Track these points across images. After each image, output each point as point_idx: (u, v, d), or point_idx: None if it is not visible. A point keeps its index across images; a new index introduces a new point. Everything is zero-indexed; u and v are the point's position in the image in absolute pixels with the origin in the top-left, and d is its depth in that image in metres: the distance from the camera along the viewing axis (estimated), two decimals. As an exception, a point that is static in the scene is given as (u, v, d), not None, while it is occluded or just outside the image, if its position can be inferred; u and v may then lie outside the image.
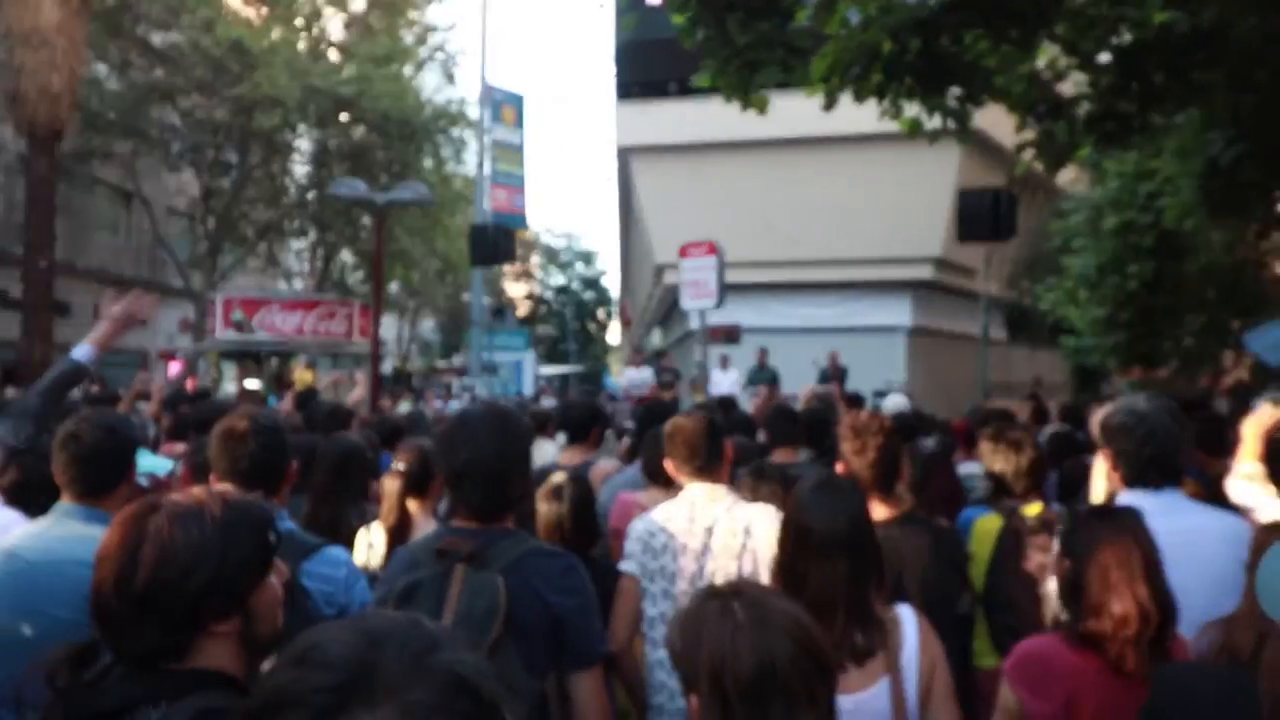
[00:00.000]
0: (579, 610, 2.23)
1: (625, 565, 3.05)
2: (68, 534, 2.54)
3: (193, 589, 1.43)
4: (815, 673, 1.54)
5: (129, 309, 3.78)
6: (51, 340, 16.85)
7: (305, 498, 3.69)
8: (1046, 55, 6.57)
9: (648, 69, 20.08)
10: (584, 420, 5.22)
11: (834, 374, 14.77)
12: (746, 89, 5.74)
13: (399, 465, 3.34)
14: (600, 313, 62.82)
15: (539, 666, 2.15)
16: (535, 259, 58.67)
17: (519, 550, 2.21)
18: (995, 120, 10.15)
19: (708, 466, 3.13)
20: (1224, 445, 5.21)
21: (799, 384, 13.91)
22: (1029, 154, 7.03)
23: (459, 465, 2.26)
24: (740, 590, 1.65)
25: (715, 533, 2.97)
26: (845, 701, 2.11)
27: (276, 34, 21.54)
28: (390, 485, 3.26)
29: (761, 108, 5.99)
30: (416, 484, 3.27)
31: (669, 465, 3.22)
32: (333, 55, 24.73)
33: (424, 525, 3.17)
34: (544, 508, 3.39)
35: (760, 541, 2.91)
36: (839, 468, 3.02)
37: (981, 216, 9.97)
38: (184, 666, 1.45)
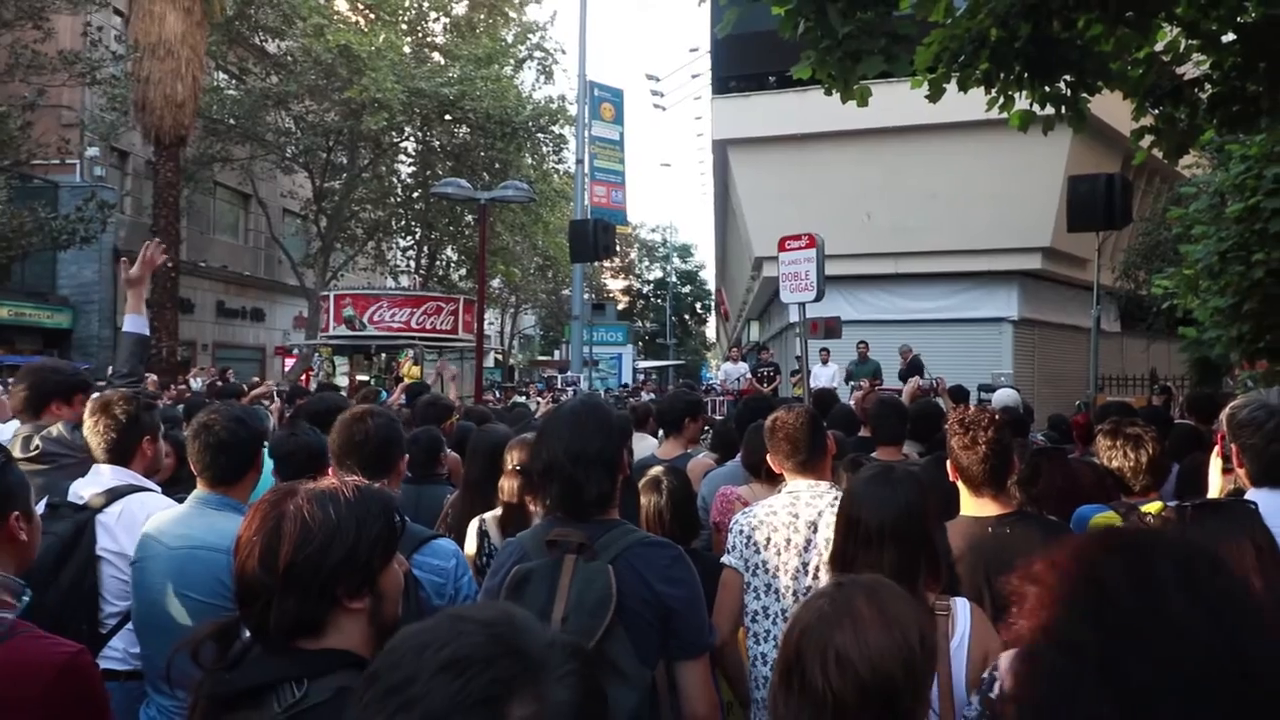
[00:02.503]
0: (687, 601, 2.26)
1: (728, 559, 3.07)
2: (202, 521, 2.73)
3: (330, 564, 1.52)
4: (858, 702, 1.45)
5: (144, 268, 4.07)
6: (177, 335, 17.79)
7: (459, 486, 3.93)
8: (1165, 37, 6.28)
9: (745, 62, 19.96)
10: (678, 414, 5.27)
11: (907, 368, 14.55)
12: (848, 80, 5.65)
13: (513, 463, 3.39)
14: (698, 306, 62.80)
15: (649, 655, 2.18)
16: (633, 254, 58.99)
17: (627, 541, 2.25)
18: (1107, 104, 9.76)
19: (810, 461, 3.12)
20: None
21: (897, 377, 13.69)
22: (1147, 141, 6.71)
23: (540, 467, 2.34)
24: (842, 588, 1.61)
25: (819, 528, 2.96)
26: None
27: (382, 38, 22.18)
28: (509, 484, 3.31)
29: (863, 99, 5.89)
30: (532, 480, 3.31)
31: (771, 459, 3.22)
32: (436, 57, 25.35)
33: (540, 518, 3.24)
34: (643, 500, 3.44)
35: None
36: (949, 464, 2.97)
37: (1093, 204, 9.57)
38: (320, 646, 1.54)
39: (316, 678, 1.47)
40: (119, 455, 3.09)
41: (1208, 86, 6.20)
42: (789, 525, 2.99)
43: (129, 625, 2.83)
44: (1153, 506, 3.18)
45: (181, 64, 16.52)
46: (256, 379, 18.34)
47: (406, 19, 25.35)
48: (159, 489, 3.19)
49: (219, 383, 12.49)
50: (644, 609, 2.18)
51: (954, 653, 2.21)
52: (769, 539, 2.99)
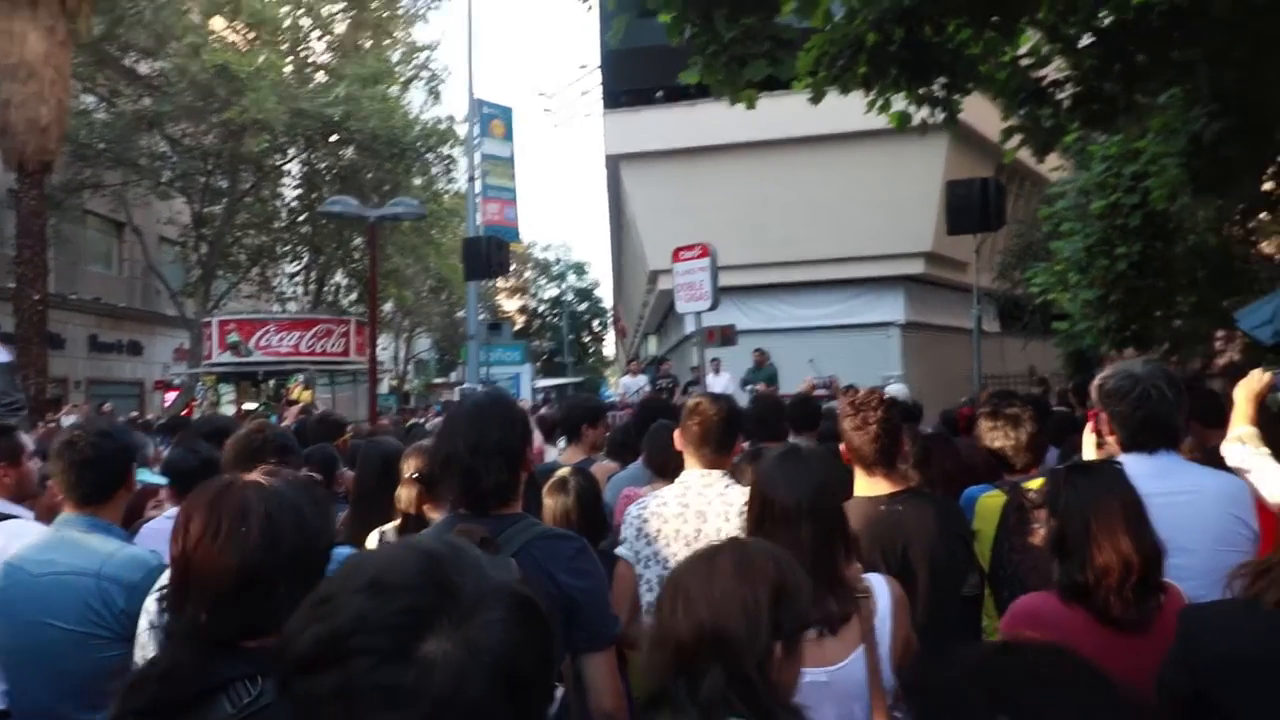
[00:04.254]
0: (591, 592, 2.25)
1: (619, 550, 3.09)
2: (68, 545, 2.57)
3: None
4: (694, 643, 1.53)
5: None
6: (47, 373, 16.83)
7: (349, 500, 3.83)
8: (1029, 41, 6.63)
9: (634, 77, 20.15)
10: (575, 420, 5.26)
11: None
12: (735, 83, 5.77)
13: (410, 472, 3.31)
14: (595, 324, 62.84)
15: (557, 649, 2.17)
16: (528, 273, 58.72)
17: (529, 534, 2.24)
18: (980, 113, 10.20)
19: (716, 453, 3.15)
20: (1220, 417, 5.24)
21: (795, 384, 13.96)
22: (1016, 140, 7.06)
23: (440, 460, 2.32)
24: (721, 543, 1.70)
25: (708, 516, 3.01)
26: (820, 674, 2.11)
27: (262, 58, 21.60)
28: (406, 493, 3.24)
29: (750, 102, 6.02)
30: (431, 488, 3.25)
31: (679, 437, 3.23)
32: (319, 77, 24.82)
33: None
34: (550, 501, 3.41)
35: None
36: (842, 447, 3.04)
37: (970, 207, 9.97)
38: (266, 643, 1.44)
39: (270, 675, 1.39)
40: None
41: (1068, 87, 6.56)
42: (679, 516, 3.02)
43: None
44: (1035, 483, 3.32)
45: (45, 86, 15.70)
46: (135, 413, 17.54)
47: (287, 39, 24.75)
48: (31, 514, 3.02)
49: (95, 415, 11.88)
50: (549, 602, 2.15)
51: (879, 629, 2.23)
52: (659, 530, 3.02)
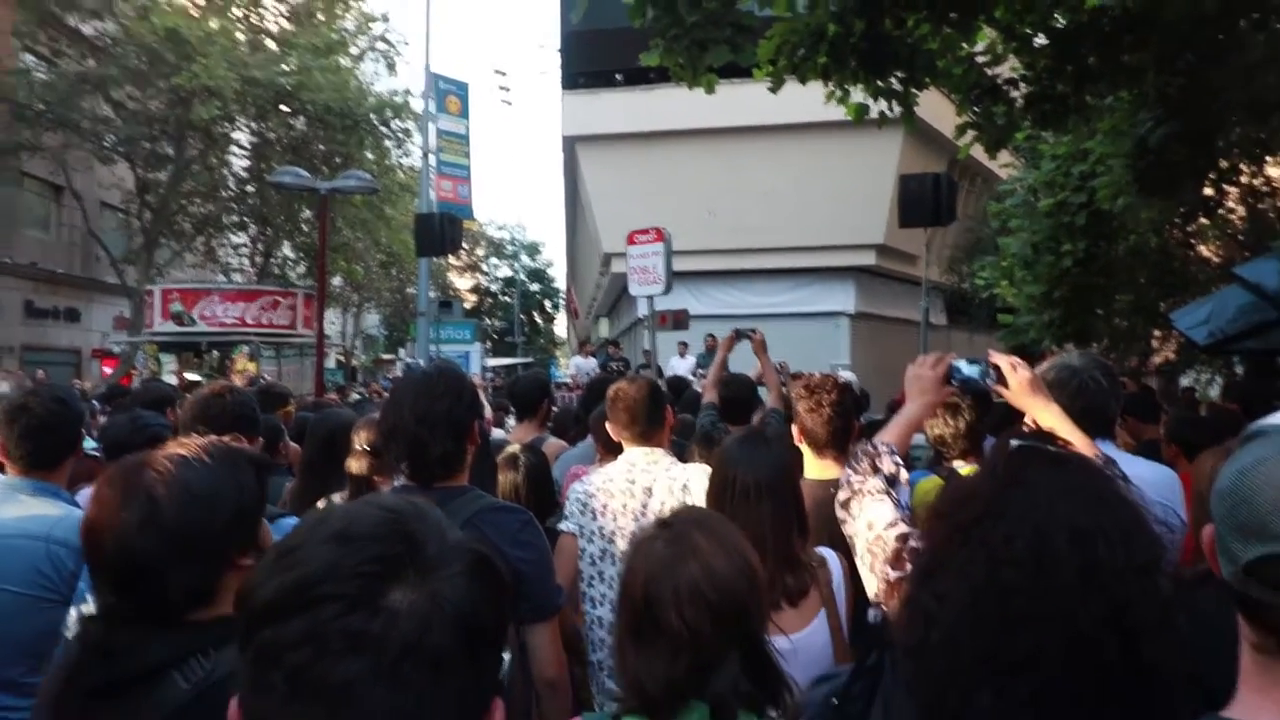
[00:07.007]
0: (536, 564, 2.29)
1: (564, 525, 3.12)
2: (16, 508, 2.54)
3: (221, 521, 1.45)
4: (714, 630, 1.50)
5: None
6: (-19, 337, 16.37)
7: (295, 471, 3.82)
8: (985, 39, 6.76)
9: (593, 58, 20.07)
10: (531, 396, 5.25)
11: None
12: (695, 68, 5.80)
13: (362, 444, 3.30)
14: (547, 304, 62.64)
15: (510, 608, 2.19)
16: (480, 251, 58.28)
17: (475, 506, 2.25)
18: (935, 109, 10.31)
19: (648, 431, 3.19)
20: (1154, 413, 5.44)
21: (745, 369, 14.08)
22: (970, 136, 7.19)
23: (385, 430, 2.32)
24: (672, 527, 1.66)
25: (654, 493, 3.05)
26: (783, 642, 2.18)
27: (214, 23, 21.09)
28: (356, 465, 3.22)
29: (710, 86, 6.05)
30: (381, 459, 3.24)
31: (611, 429, 3.27)
32: (271, 46, 24.29)
33: (390, 493, 3.16)
34: (500, 477, 3.44)
35: (699, 499, 2.98)
36: (794, 429, 3.10)
37: (922, 201, 10.11)
38: (215, 614, 1.44)
39: (220, 647, 1.38)
40: None
41: (1023, 86, 6.70)
42: (625, 492, 3.06)
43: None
44: (970, 469, 3.43)
45: (-17, 41, 15.23)
46: (76, 381, 17.12)
47: (239, 5, 24.16)
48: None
49: (28, 383, 11.58)
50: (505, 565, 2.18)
51: (837, 593, 2.33)
52: (605, 505, 3.06)
